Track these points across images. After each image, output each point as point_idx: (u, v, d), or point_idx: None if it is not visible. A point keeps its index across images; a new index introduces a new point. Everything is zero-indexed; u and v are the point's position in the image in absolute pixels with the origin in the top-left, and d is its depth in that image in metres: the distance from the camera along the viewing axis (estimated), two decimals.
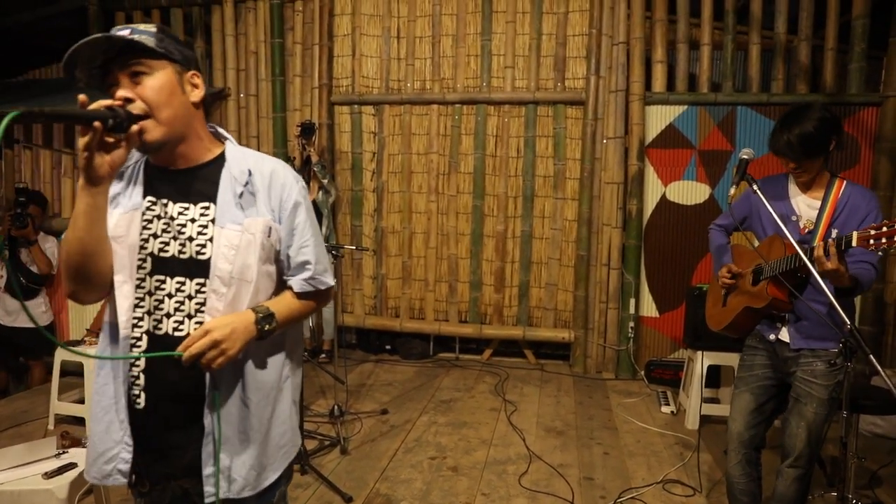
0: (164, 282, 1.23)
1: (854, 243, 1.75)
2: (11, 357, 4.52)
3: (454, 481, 3.02)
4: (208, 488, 1.24)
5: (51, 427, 3.66)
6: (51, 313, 4.55)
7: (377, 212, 5.22)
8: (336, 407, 3.68)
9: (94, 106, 1.05)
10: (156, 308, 1.23)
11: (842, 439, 1.77)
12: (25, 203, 4.09)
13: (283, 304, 1.30)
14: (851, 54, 4.25)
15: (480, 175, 4.99)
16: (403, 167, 5.14)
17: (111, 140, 1.08)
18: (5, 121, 0.92)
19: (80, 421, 3.63)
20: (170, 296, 1.23)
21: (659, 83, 4.59)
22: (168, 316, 1.23)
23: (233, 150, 1.32)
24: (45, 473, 2.04)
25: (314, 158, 4.63)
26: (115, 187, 1.23)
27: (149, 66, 1.17)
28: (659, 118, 4.60)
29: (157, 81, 1.17)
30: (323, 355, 4.94)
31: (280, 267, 1.33)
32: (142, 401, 1.23)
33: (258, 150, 5.20)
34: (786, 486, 2.12)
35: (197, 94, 1.26)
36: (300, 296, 1.34)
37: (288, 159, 4.99)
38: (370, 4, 5.06)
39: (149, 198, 1.24)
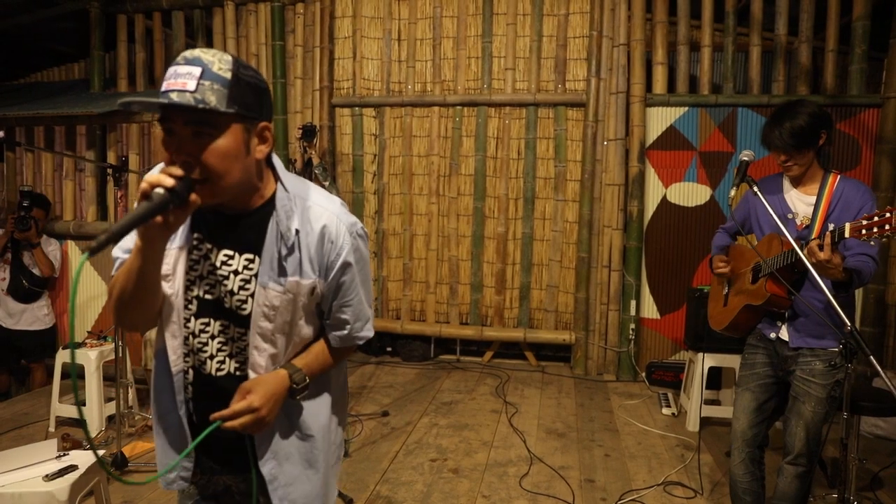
0: (208, 324, 1.21)
1: (847, 234, 1.76)
2: (13, 359, 4.52)
3: (455, 483, 3.01)
4: None
5: (51, 429, 3.66)
6: (53, 316, 4.56)
7: (378, 214, 5.22)
8: None
9: (153, 180, 0.99)
10: (199, 350, 1.22)
11: (842, 440, 1.77)
12: (29, 206, 4.10)
13: (319, 361, 1.29)
14: (852, 56, 4.25)
15: (481, 177, 5.00)
16: (404, 169, 5.14)
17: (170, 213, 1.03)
18: (81, 260, 0.94)
19: (80, 423, 3.64)
20: (213, 337, 1.22)
21: (660, 85, 4.59)
22: (211, 357, 1.22)
23: (282, 195, 1.19)
24: (46, 475, 2.04)
25: (315, 161, 4.63)
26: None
27: (216, 126, 1.04)
28: (660, 120, 4.61)
29: (223, 146, 1.05)
30: None
31: (322, 311, 1.30)
32: (195, 418, 1.26)
33: None
34: (786, 483, 2.13)
35: (263, 150, 1.14)
36: (335, 348, 1.33)
37: (289, 161, 5.00)
38: (371, 7, 5.07)
39: (196, 234, 1.20)
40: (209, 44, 5.33)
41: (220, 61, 1.04)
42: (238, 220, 1.17)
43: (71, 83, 5.75)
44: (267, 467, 1.25)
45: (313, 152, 4.63)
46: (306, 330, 1.26)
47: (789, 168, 2.09)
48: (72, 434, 2.96)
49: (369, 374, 4.79)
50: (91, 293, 4.85)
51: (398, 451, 3.38)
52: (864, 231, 1.71)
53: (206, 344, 1.21)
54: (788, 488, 2.13)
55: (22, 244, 4.17)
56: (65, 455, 2.21)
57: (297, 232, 1.18)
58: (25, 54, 5.91)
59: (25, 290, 4.27)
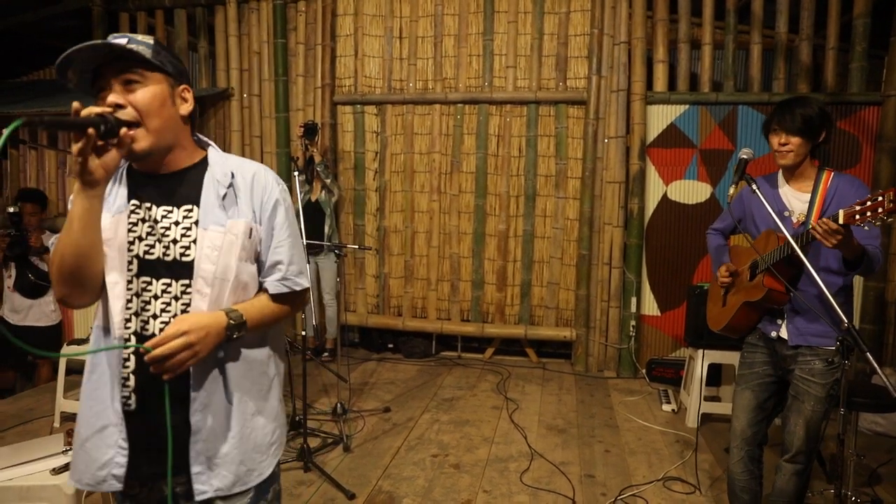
0: (150, 283, 1.25)
1: (841, 220, 1.77)
2: (18, 355, 4.55)
3: (456, 478, 3.04)
4: (198, 486, 1.26)
5: (56, 425, 3.69)
6: (59, 312, 4.58)
7: (380, 211, 5.25)
8: (339, 405, 3.71)
9: (85, 112, 1.09)
10: (142, 309, 1.24)
11: (839, 436, 1.79)
12: (19, 221, 4.09)
13: (257, 308, 1.31)
14: (852, 54, 4.26)
15: (482, 174, 5.02)
16: (406, 166, 5.16)
17: (102, 144, 1.13)
18: (10, 128, 0.96)
19: None
20: (156, 297, 1.25)
21: (660, 83, 4.60)
22: (155, 317, 1.24)
23: (215, 154, 1.35)
24: (54, 469, 2.07)
25: (317, 158, 4.66)
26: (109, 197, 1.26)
27: (143, 75, 1.20)
28: (660, 118, 4.62)
29: (150, 92, 1.20)
30: (326, 354, 4.97)
31: (260, 267, 1.36)
32: (132, 402, 1.24)
33: (262, 149, 5.29)
34: (784, 480, 2.15)
35: (186, 108, 1.29)
36: (274, 298, 1.35)
37: (291, 159, 5.02)
38: (372, 5, 5.08)
39: (133, 201, 1.27)
40: (211, 42, 5.34)
41: (143, 36, 1.23)
42: (172, 178, 1.28)
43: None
44: (195, 417, 1.24)
45: (315, 150, 4.66)
46: (245, 276, 1.30)
47: (785, 154, 2.08)
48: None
49: (371, 370, 4.82)
50: None
51: (400, 446, 3.40)
52: (857, 216, 1.72)
53: (148, 303, 1.24)
54: (786, 486, 2.15)
55: (31, 250, 4.18)
56: (71, 450, 2.23)
57: (233, 175, 1.31)
58: (28, 52, 5.92)
59: (31, 284, 4.28)
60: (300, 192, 3.98)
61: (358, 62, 5.14)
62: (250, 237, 1.29)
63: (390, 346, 5.33)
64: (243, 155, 5.27)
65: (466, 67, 4.98)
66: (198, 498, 1.26)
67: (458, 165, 5.06)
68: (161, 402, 1.20)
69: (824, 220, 1.81)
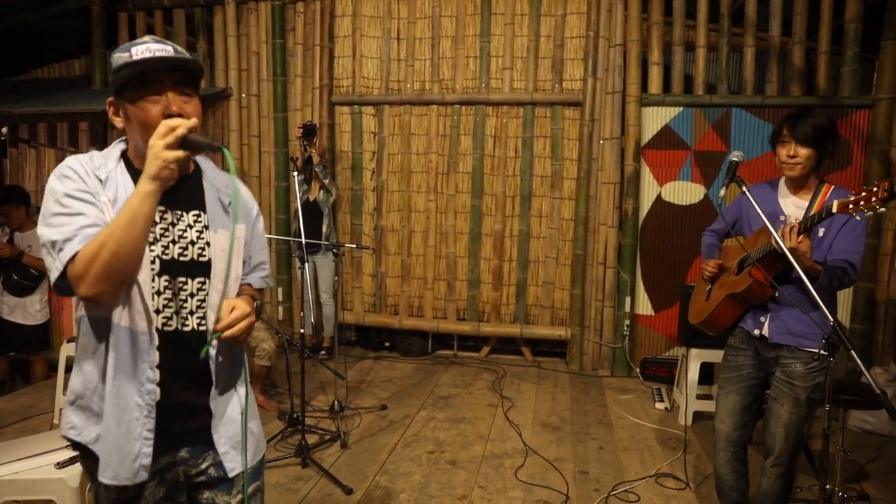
0: (170, 282, 1.31)
1: (835, 210, 1.83)
2: (10, 351, 4.56)
3: (452, 474, 3.09)
4: (228, 464, 1.37)
5: (56, 421, 3.72)
6: (47, 311, 4.56)
7: (377, 211, 5.29)
8: (336, 402, 3.75)
9: (176, 124, 1.18)
10: (164, 306, 1.30)
11: (824, 431, 1.84)
12: (6, 224, 4.10)
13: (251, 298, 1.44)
14: (844, 57, 4.32)
15: (479, 175, 5.06)
16: (403, 167, 5.21)
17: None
18: (229, 156, 1.22)
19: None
20: (175, 294, 1.32)
21: (655, 85, 4.65)
22: (177, 313, 1.31)
23: (203, 163, 1.43)
24: (58, 463, 2.11)
25: (315, 159, 4.70)
26: (109, 193, 1.26)
27: (195, 89, 1.31)
28: (655, 119, 4.67)
29: (198, 105, 1.31)
30: (323, 352, 5.01)
31: (244, 260, 1.49)
32: (157, 394, 1.29)
33: (260, 149, 5.33)
34: (769, 483, 2.18)
35: None
36: (257, 292, 1.52)
37: (290, 159, 5.06)
38: (371, 6, 5.12)
39: None
40: (210, 42, 5.37)
41: (177, 45, 1.30)
42: (177, 185, 1.29)
43: (72, 80, 5.79)
44: (214, 403, 1.36)
45: (313, 150, 4.70)
46: (240, 272, 1.45)
47: (793, 166, 2.10)
48: None
49: (368, 368, 4.86)
50: None
51: (396, 443, 3.45)
52: (851, 206, 1.78)
53: (171, 300, 1.31)
54: (771, 488, 2.18)
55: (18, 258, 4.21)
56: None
57: (227, 187, 1.43)
58: (27, 51, 5.94)
59: (14, 283, 4.28)
60: (298, 192, 4.02)
61: (356, 63, 5.18)
62: (244, 241, 1.45)
63: (387, 344, 5.37)
64: (242, 155, 5.30)
65: (463, 69, 5.03)
66: (231, 475, 1.38)
67: (454, 166, 5.11)
68: (182, 391, 1.32)
69: (794, 227, 1.92)
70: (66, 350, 3.78)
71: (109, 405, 1.26)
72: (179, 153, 1.16)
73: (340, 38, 5.19)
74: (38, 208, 4.23)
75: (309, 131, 4.64)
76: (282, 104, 5.23)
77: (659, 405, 4.10)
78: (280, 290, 5.30)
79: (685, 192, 4.67)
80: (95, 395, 1.27)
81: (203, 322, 1.34)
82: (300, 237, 3.37)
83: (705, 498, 2.87)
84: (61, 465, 2.10)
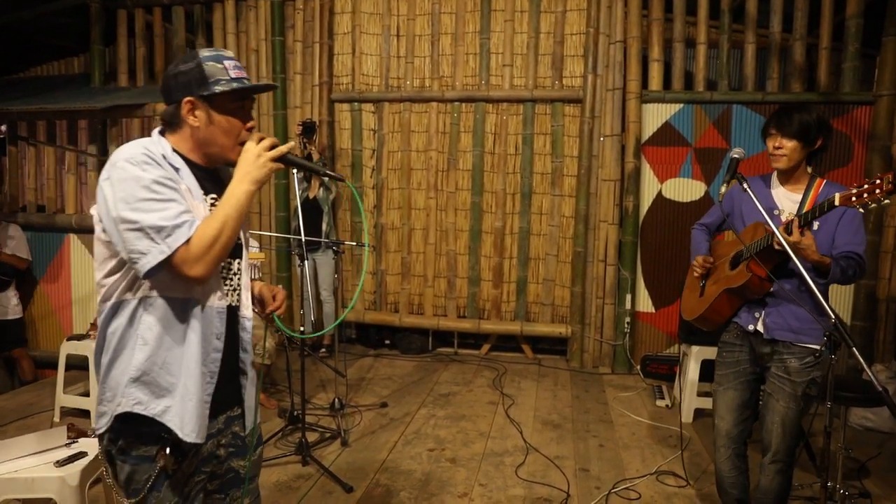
0: (226, 263, 1.48)
1: (837, 203, 1.83)
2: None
3: (452, 472, 3.08)
4: (249, 418, 1.56)
5: (56, 419, 3.72)
6: (21, 307, 4.58)
7: (377, 208, 5.28)
8: (336, 400, 3.75)
9: (291, 146, 1.44)
10: (224, 284, 1.47)
11: (825, 429, 1.83)
12: None
13: None
14: (845, 53, 4.30)
15: (479, 172, 5.05)
16: (403, 164, 5.20)
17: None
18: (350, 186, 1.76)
19: (85, 413, 3.70)
20: (227, 272, 1.48)
21: (655, 81, 4.64)
22: (234, 290, 1.50)
23: None
24: (57, 462, 2.11)
25: (315, 156, 4.69)
26: (185, 183, 1.38)
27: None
28: (655, 116, 4.66)
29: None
30: (323, 350, 5.01)
31: None
32: (218, 362, 1.43)
33: None
34: (768, 480, 2.18)
35: None
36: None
37: None
38: (370, 3, 5.11)
39: (202, 191, 1.45)
40: (209, 39, 5.36)
41: None
42: (215, 173, 1.51)
43: (71, 77, 5.78)
44: (247, 367, 1.56)
45: (313, 148, 4.69)
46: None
47: (779, 158, 2.12)
48: (77, 424, 3.02)
49: (368, 366, 4.86)
50: (93, 286, 4.88)
51: (397, 441, 3.45)
52: (854, 198, 1.78)
53: (226, 279, 1.48)
54: (770, 485, 2.17)
55: None
56: (74, 442, 2.27)
57: None
58: (25, 48, 5.93)
59: None
60: (298, 190, 4.01)
61: (355, 60, 5.17)
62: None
63: (387, 342, 5.37)
64: None
65: (463, 65, 5.02)
66: (248, 427, 1.56)
67: (454, 163, 5.10)
68: (230, 358, 1.48)
69: (794, 221, 1.91)
70: (67, 348, 3.78)
71: (185, 375, 1.36)
72: (280, 164, 1.40)
73: (340, 35, 5.18)
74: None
75: (308, 129, 4.62)
76: (281, 101, 5.21)
77: (660, 402, 4.10)
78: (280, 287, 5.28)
79: (686, 189, 4.66)
80: (163, 370, 1.34)
81: (238, 301, 1.50)
82: (300, 235, 3.36)
83: (706, 495, 2.87)
84: (61, 463, 2.10)
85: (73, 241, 4.92)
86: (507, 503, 2.80)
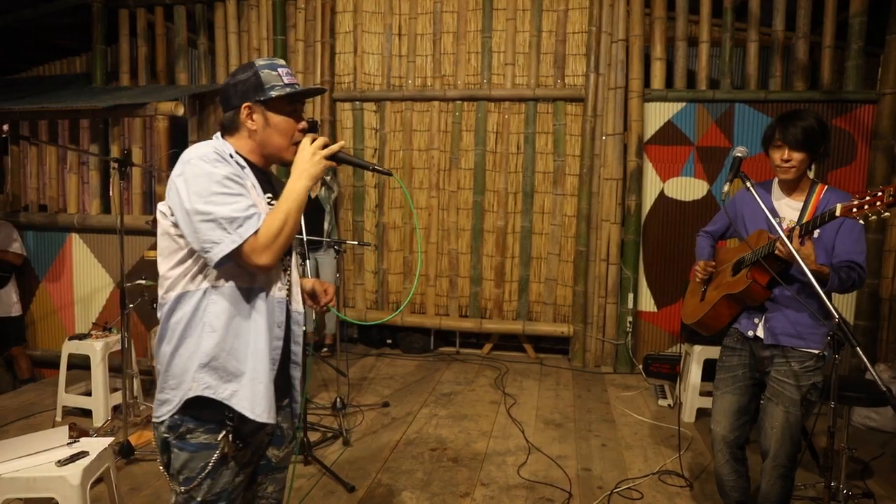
0: (283, 258, 1.52)
1: (838, 214, 1.82)
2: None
3: (455, 472, 3.08)
4: (296, 405, 1.64)
5: (58, 419, 3.72)
6: (21, 305, 4.58)
7: (378, 207, 5.27)
8: (338, 400, 3.75)
9: (342, 144, 1.53)
10: (283, 276, 1.55)
11: (829, 429, 1.82)
12: None
13: None
14: (849, 52, 4.29)
15: (481, 171, 5.05)
16: (405, 163, 5.19)
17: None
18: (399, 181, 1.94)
19: (86, 413, 3.70)
20: (284, 267, 1.56)
21: (658, 80, 4.63)
22: (286, 285, 1.56)
23: None
24: (59, 461, 2.11)
25: None
26: (245, 181, 1.46)
27: None
28: (657, 115, 4.65)
29: None
30: (325, 349, 5.00)
31: None
32: (280, 349, 1.51)
33: None
34: (769, 484, 2.16)
35: None
36: None
37: None
38: (372, 2, 5.10)
39: (259, 188, 1.53)
40: (211, 38, 5.35)
41: None
42: (268, 174, 1.60)
43: (73, 77, 5.78)
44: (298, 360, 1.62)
45: None
46: None
47: (787, 170, 2.10)
48: (78, 423, 3.03)
49: (370, 365, 4.85)
50: (95, 285, 4.90)
51: (399, 440, 3.44)
52: (855, 210, 1.77)
53: (285, 270, 1.56)
54: (771, 489, 2.16)
55: None
56: (76, 442, 2.27)
57: None
58: (27, 48, 5.93)
59: None
60: None
61: (357, 59, 5.16)
62: None
63: (389, 341, 5.37)
64: None
65: (465, 64, 5.01)
66: (297, 411, 1.64)
67: (456, 162, 5.09)
68: (284, 351, 1.54)
69: (795, 230, 1.92)
70: (68, 347, 3.78)
71: (254, 358, 1.43)
72: (333, 162, 1.48)
73: (341, 35, 5.17)
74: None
75: (310, 128, 4.61)
76: None
77: (662, 402, 4.09)
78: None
79: (688, 188, 4.65)
80: (230, 356, 1.41)
81: (289, 292, 1.56)
82: (301, 234, 3.35)
83: (708, 495, 2.86)
84: (62, 462, 2.10)
85: (75, 240, 4.92)
86: (509, 503, 2.79)
